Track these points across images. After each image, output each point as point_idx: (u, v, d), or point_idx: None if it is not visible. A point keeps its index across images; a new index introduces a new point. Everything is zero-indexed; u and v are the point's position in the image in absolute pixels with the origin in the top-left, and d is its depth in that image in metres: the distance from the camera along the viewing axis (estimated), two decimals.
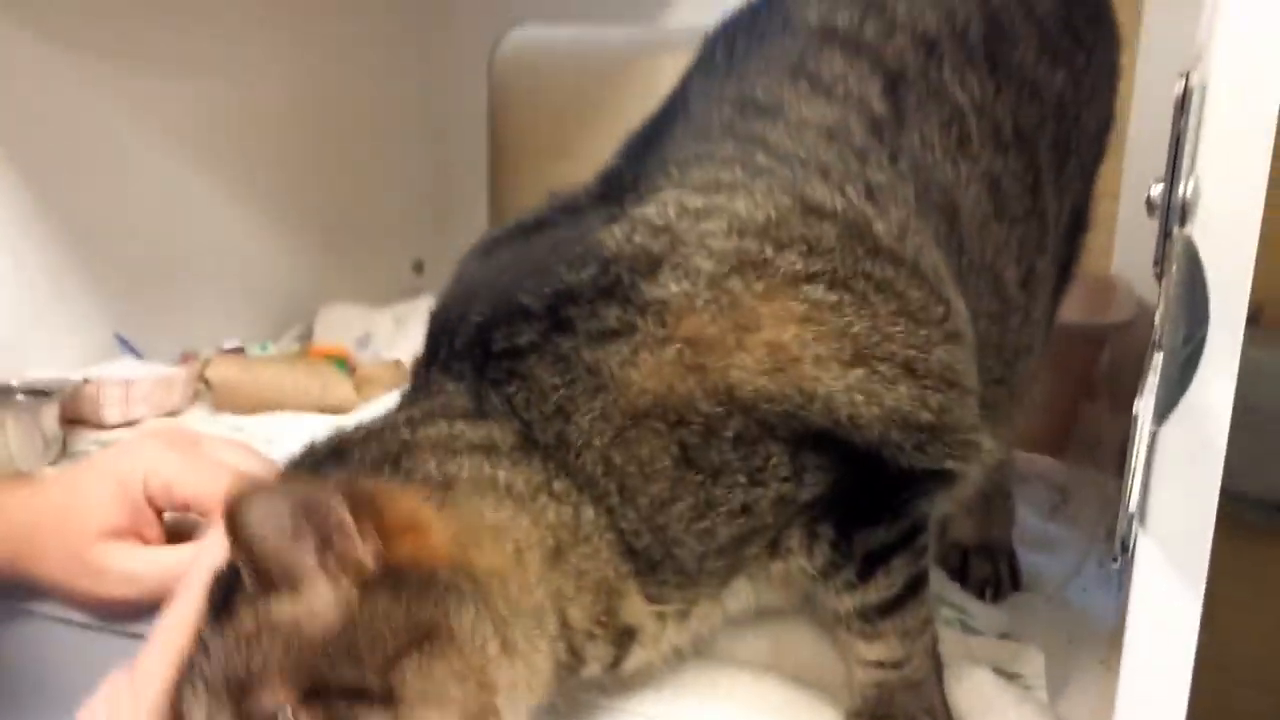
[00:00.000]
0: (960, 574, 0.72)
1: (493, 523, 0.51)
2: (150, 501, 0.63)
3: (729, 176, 0.56)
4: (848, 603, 0.56)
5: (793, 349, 0.51)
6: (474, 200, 1.45)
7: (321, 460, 0.54)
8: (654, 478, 0.51)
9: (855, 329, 0.52)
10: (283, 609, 0.46)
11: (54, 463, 0.90)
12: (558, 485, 0.52)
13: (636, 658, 0.55)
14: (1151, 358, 0.38)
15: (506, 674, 0.48)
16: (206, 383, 1.03)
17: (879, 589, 0.55)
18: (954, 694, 0.58)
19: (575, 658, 0.53)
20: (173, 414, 1.01)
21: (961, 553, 0.73)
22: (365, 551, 0.47)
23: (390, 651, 0.45)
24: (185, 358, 1.11)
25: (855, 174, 0.57)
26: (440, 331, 0.59)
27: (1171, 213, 0.35)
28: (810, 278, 0.52)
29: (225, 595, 0.48)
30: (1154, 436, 0.40)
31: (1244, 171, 0.37)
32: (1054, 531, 0.80)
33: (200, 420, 1.01)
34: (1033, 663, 0.61)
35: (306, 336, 1.25)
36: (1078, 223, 0.72)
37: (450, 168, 1.48)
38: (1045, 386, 0.76)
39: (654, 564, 0.53)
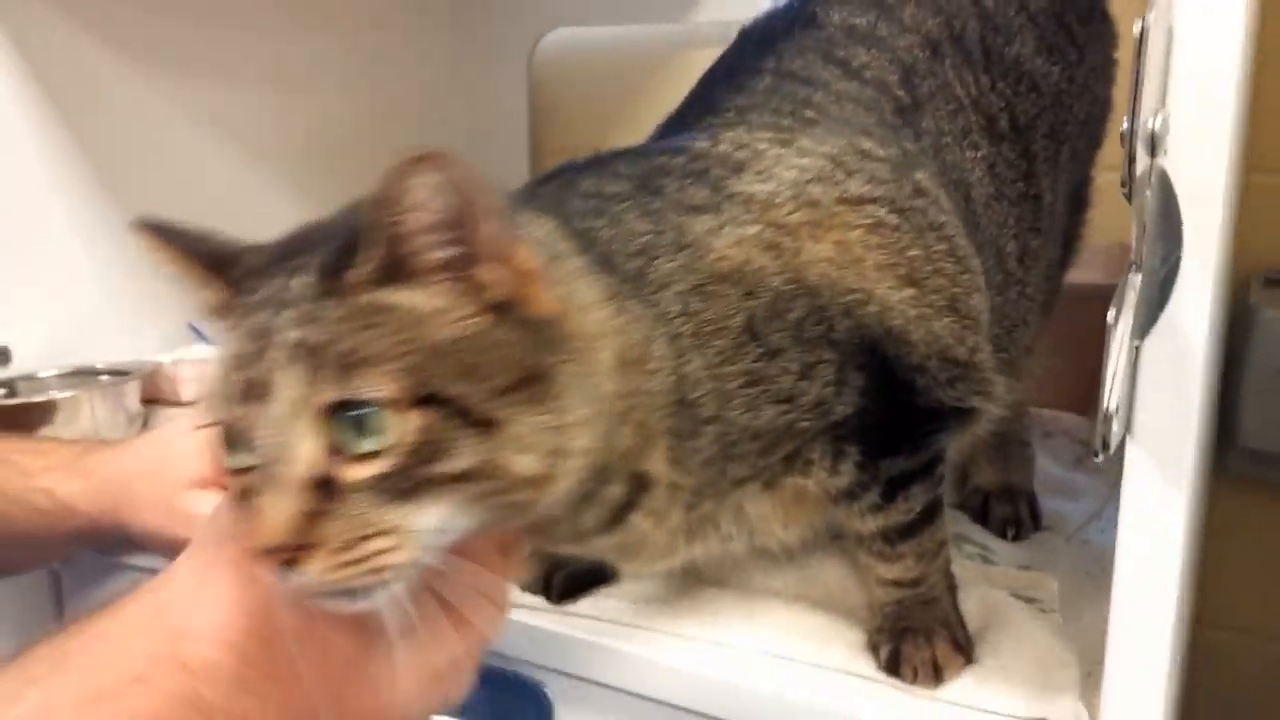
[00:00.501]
0: (982, 516, 0.77)
1: (591, 306, 0.51)
2: None
3: (787, 123, 0.62)
4: (871, 524, 0.60)
5: (857, 250, 0.57)
6: None
7: None
8: (722, 334, 0.55)
9: (911, 253, 0.58)
10: (406, 299, 0.44)
11: (136, 435, 0.97)
12: (632, 304, 0.53)
13: (634, 525, 0.55)
14: (1128, 278, 0.42)
15: (579, 443, 0.48)
16: None
17: (899, 512, 0.60)
18: (970, 610, 0.63)
19: (596, 481, 0.52)
20: None
21: (983, 496, 0.77)
22: (501, 277, 0.45)
23: (501, 382, 0.44)
24: None
25: (891, 140, 0.63)
26: (528, 184, 0.63)
27: (1138, 141, 0.40)
28: (874, 200, 0.58)
29: (334, 272, 0.45)
30: (1137, 350, 0.44)
31: (1212, 105, 0.42)
32: (1078, 480, 0.84)
33: None
34: (1047, 588, 0.66)
35: None
36: (1078, 202, 0.77)
37: (492, 166, 1.52)
38: (1070, 346, 0.81)
39: (693, 427, 0.55)
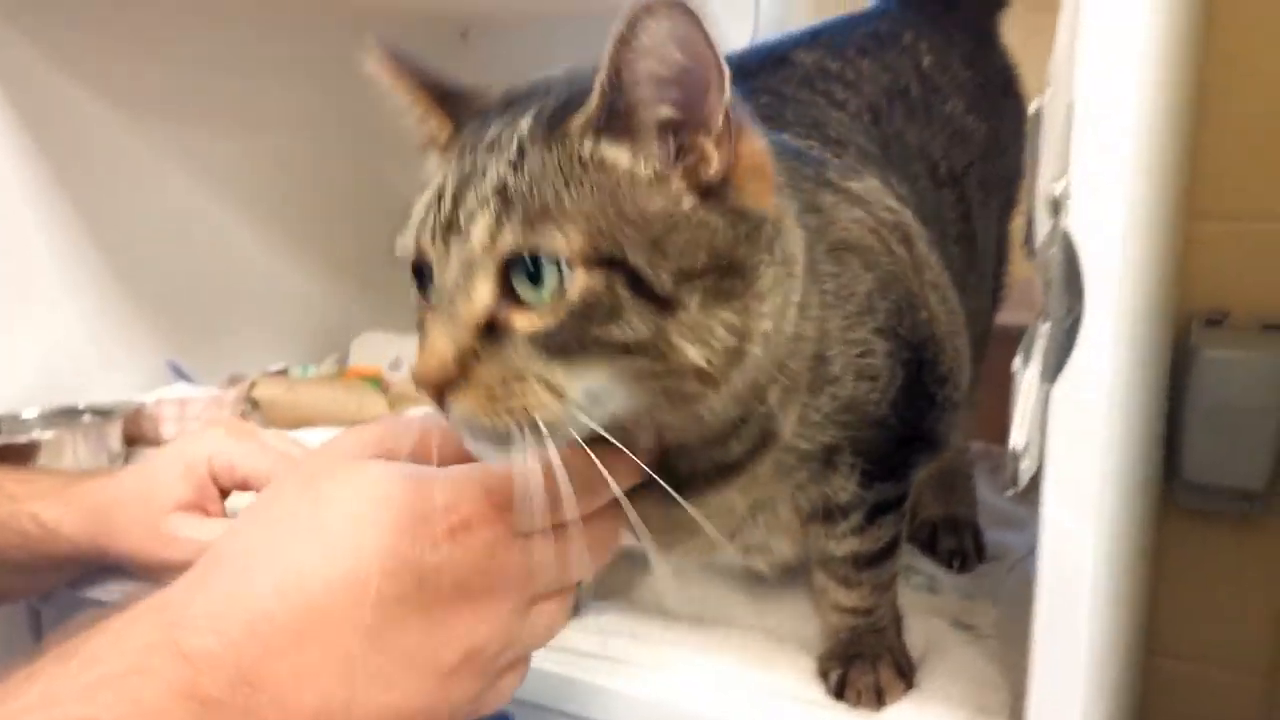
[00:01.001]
0: (930, 548, 0.81)
1: (793, 218, 0.51)
2: (214, 480, 0.73)
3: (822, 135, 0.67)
4: (845, 547, 0.63)
5: (919, 261, 0.62)
6: None
7: None
8: (852, 299, 0.56)
9: (941, 278, 0.64)
10: (617, 156, 0.44)
11: None
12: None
13: (725, 495, 0.55)
14: (1036, 327, 0.46)
15: (755, 353, 0.47)
16: (253, 402, 1.12)
17: (871, 540, 0.63)
18: (914, 639, 0.66)
19: (739, 418, 0.52)
20: None
21: (931, 528, 0.81)
22: (722, 157, 0.45)
23: (690, 265, 0.44)
24: (232, 381, 1.21)
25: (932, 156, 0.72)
26: None
27: (1038, 206, 0.44)
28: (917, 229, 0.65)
29: (554, 121, 0.45)
30: (1047, 394, 0.48)
31: (1110, 172, 0.46)
32: (1020, 512, 0.88)
33: None
34: (986, 614, 0.70)
35: (343, 361, 1.34)
36: (1000, 254, 0.83)
37: None
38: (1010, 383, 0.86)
39: (820, 386, 0.55)
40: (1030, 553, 0.81)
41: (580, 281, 0.42)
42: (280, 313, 1.33)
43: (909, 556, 0.80)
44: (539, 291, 0.43)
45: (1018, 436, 0.45)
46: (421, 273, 0.47)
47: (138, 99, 1.14)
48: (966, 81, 0.77)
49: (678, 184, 0.45)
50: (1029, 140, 0.43)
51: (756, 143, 0.47)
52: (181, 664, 0.41)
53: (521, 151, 0.44)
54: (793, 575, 0.72)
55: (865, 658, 0.63)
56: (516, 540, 0.47)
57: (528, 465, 0.43)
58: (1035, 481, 0.50)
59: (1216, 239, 1.11)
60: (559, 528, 0.46)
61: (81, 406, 1.03)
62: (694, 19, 0.41)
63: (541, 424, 0.43)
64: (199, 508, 0.73)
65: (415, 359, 0.44)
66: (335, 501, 0.46)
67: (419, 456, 0.49)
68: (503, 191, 0.43)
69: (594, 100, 0.44)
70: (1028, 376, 0.46)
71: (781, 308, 0.49)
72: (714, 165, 0.45)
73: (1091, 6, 0.44)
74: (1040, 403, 0.48)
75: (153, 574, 0.73)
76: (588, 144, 0.44)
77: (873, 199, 0.62)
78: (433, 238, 0.45)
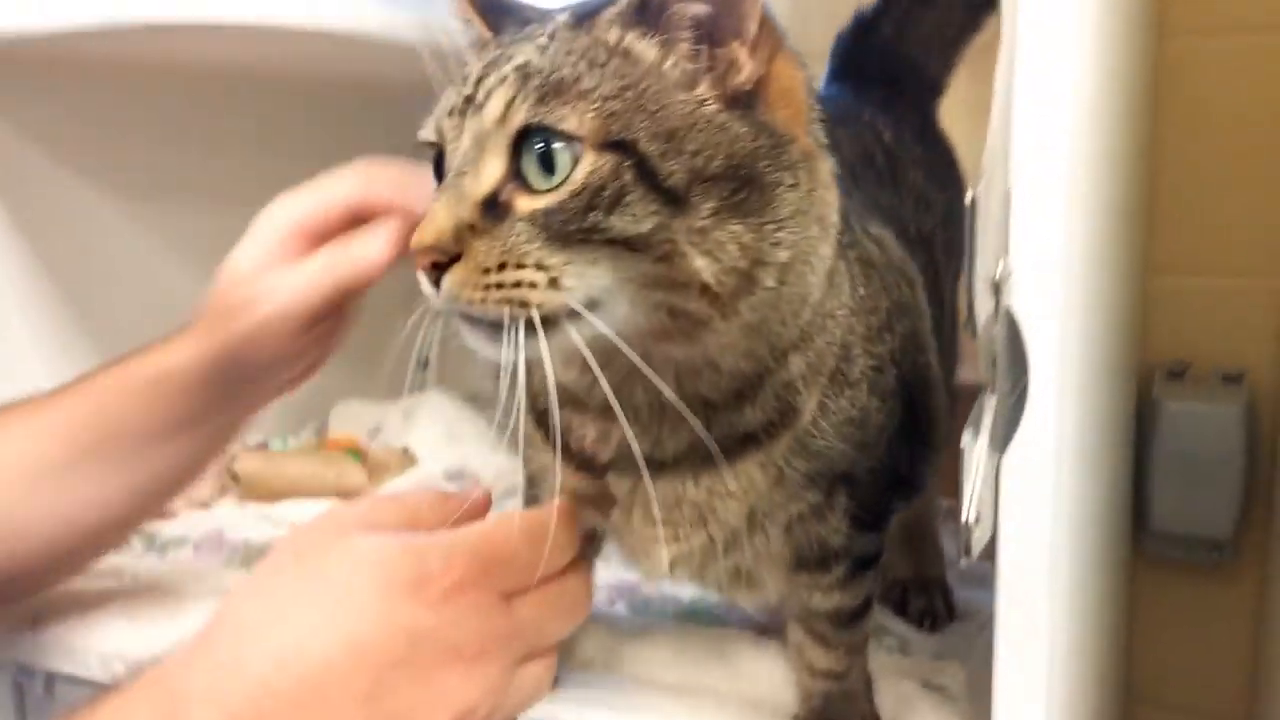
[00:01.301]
0: (902, 608, 0.82)
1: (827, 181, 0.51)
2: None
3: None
4: (827, 602, 0.64)
5: (922, 311, 0.65)
6: None
7: None
8: (876, 313, 0.58)
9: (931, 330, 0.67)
10: (643, 48, 0.44)
11: None
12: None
13: (724, 483, 0.55)
14: (983, 400, 0.48)
15: (768, 283, 0.47)
16: (234, 475, 1.13)
17: (852, 595, 0.64)
18: (885, 702, 0.68)
19: (754, 375, 0.52)
20: (203, 506, 1.12)
21: (901, 589, 0.83)
22: (752, 67, 0.44)
23: (705, 166, 0.43)
24: None
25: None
26: None
27: (978, 288, 0.46)
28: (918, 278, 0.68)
29: (588, 14, 0.45)
30: (997, 465, 0.50)
31: (1046, 256, 0.48)
32: (988, 569, 0.89)
33: (229, 510, 1.11)
34: (955, 675, 0.71)
35: (322, 430, 1.35)
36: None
37: None
38: None
39: (842, 383, 0.55)
40: None
41: (588, 162, 0.42)
42: None
43: (881, 617, 0.81)
44: (549, 178, 0.43)
45: (969, 508, 0.47)
46: (440, 163, 0.48)
47: (120, 179, 1.16)
48: (920, 156, 0.80)
49: (704, 86, 0.44)
50: (967, 226, 0.45)
51: (791, 66, 0.47)
52: None
53: (551, 36, 0.45)
54: (765, 639, 0.74)
55: None
56: (504, 600, 0.48)
57: (515, 357, 0.43)
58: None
59: (1175, 293, 1.15)
60: (543, 584, 0.48)
61: None
62: None
63: (535, 314, 0.43)
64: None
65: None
66: (329, 572, 0.47)
67: (408, 526, 0.51)
68: (523, 69, 0.43)
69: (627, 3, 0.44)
70: (977, 449, 0.48)
71: (802, 248, 0.48)
72: (744, 73, 0.44)
73: (1024, 97, 0.47)
74: (991, 474, 0.50)
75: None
76: (615, 31, 0.44)
77: (886, 242, 0.64)
78: (450, 113, 0.46)
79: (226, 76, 1.25)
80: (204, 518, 1.08)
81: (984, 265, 0.46)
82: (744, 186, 0.44)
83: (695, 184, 0.43)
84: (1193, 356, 1.14)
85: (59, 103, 1.09)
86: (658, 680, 0.72)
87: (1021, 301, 0.48)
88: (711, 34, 0.44)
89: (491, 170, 0.44)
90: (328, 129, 1.40)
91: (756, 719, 0.68)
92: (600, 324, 0.44)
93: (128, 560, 0.98)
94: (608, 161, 0.42)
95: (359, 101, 1.43)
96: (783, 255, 0.46)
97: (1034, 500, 0.50)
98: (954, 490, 0.93)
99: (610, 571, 0.79)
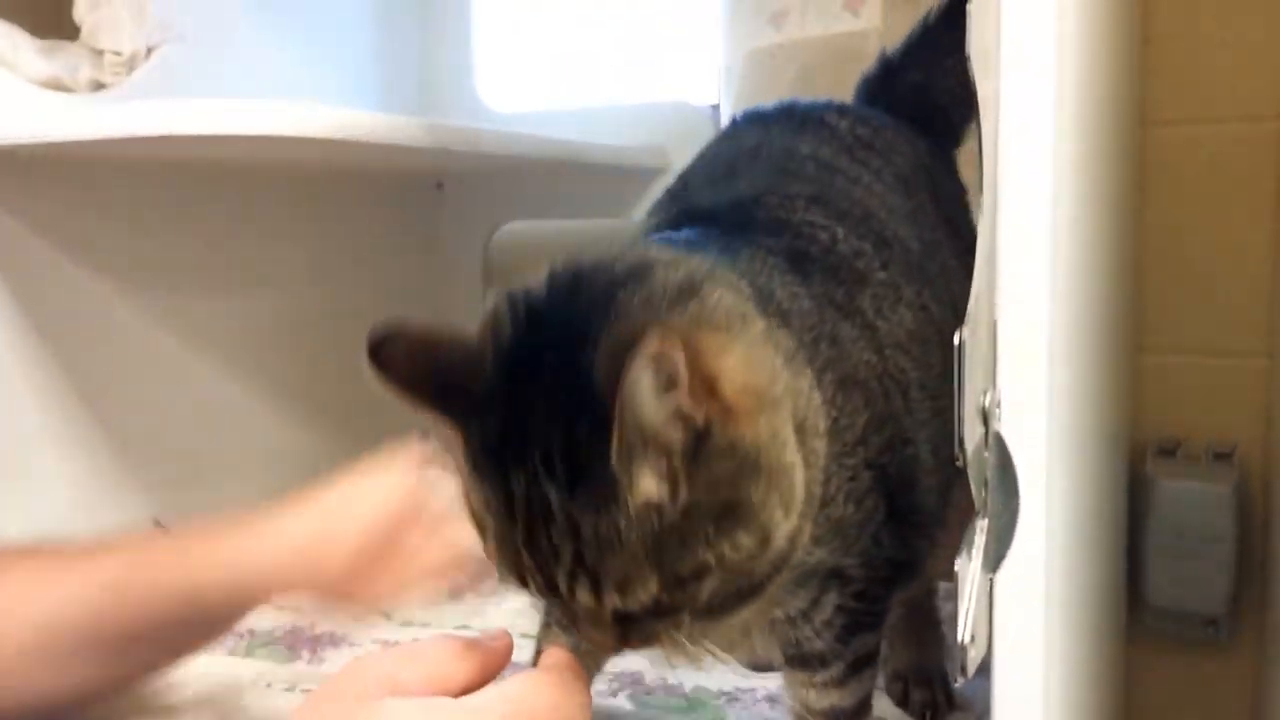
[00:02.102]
0: (902, 699, 0.83)
1: (773, 370, 0.54)
2: None
3: (865, 236, 0.68)
4: (825, 700, 0.65)
5: (911, 405, 0.65)
6: None
7: (584, 299, 0.53)
8: (851, 429, 0.60)
9: (926, 417, 0.66)
10: (646, 488, 0.48)
11: None
12: (806, 374, 0.57)
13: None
14: (975, 524, 0.50)
15: (786, 528, 0.53)
16: None
17: (850, 694, 0.65)
18: None
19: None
20: None
21: (903, 682, 0.84)
22: (698, 413, 0.48)
23: (712, 533, 0.49)
24: None
25: (930, 267, 0.72)
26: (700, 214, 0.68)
27: (967, 418, 0.49)
28: (914, 369, 0.67)
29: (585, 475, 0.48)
30: (991, 583, 0.52)
31: (1033, 384, 0.51)
32: (989, 658, 0.91)
33: None
34: None
35: None
36: None
37: None
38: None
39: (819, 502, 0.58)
40: None
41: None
42: (263, 465, 1.35)
43: (882, 708, 0.82)
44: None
45: (964, 629, 0.49)
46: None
47: (126, 265, 1.19)
48: (950, 191, 0.82)
49: (679, 483, 0.48)
50: (955, 363, 0.47)
51: (712, 355, 0.49)
52: None
53: (577, 513, 0.48)
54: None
55: None
56: None
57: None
58: None
59: (1164, 371, 1.17)
60: None
61: None
62: (667, 352, 0.45)
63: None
64: None
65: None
66: None
67: (434, 683, 0.52)
68: (584, 567, 0.49)
69: (619, 461, 0.47)
70: (970, 570, 0.49)
71: (784, 490, 0.53)
72: (698, 420, 0.48)
73: (1008, 249, 0.50)
74: (984, 593, 0.51)
75: None
76: (624, 495, 0.47)
77: (889, 344, 0.65)
78: (541, 591, 0.51)
79: (232, 174, 1.28)
80: None
81: (972, 396, 0.49)
82: (734, 511, 0.51)
83: (713, 546, 0.50)
84: (1183, 433, 1.16)
85: (68, 198, 1.12)
86: None
87: (1010, 428, 0.50)
88: (683, 439, 0.48)
89: (606, 618, 0.53)
90: (327, 219, 1.44)
91: None
92: None
93: None
94: (677, 592, 0.51)
95: (357, 193, 1.47)
96: (779, 514, 0.52)
97: (1027, 618, 0.52)
98: (952, 573, 0.95)
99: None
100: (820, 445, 0.57)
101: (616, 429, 0.46)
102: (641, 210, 1.49)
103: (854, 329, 0.63)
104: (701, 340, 0.49)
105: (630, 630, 0.53)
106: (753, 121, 0.82)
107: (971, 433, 0.49)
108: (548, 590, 0.51)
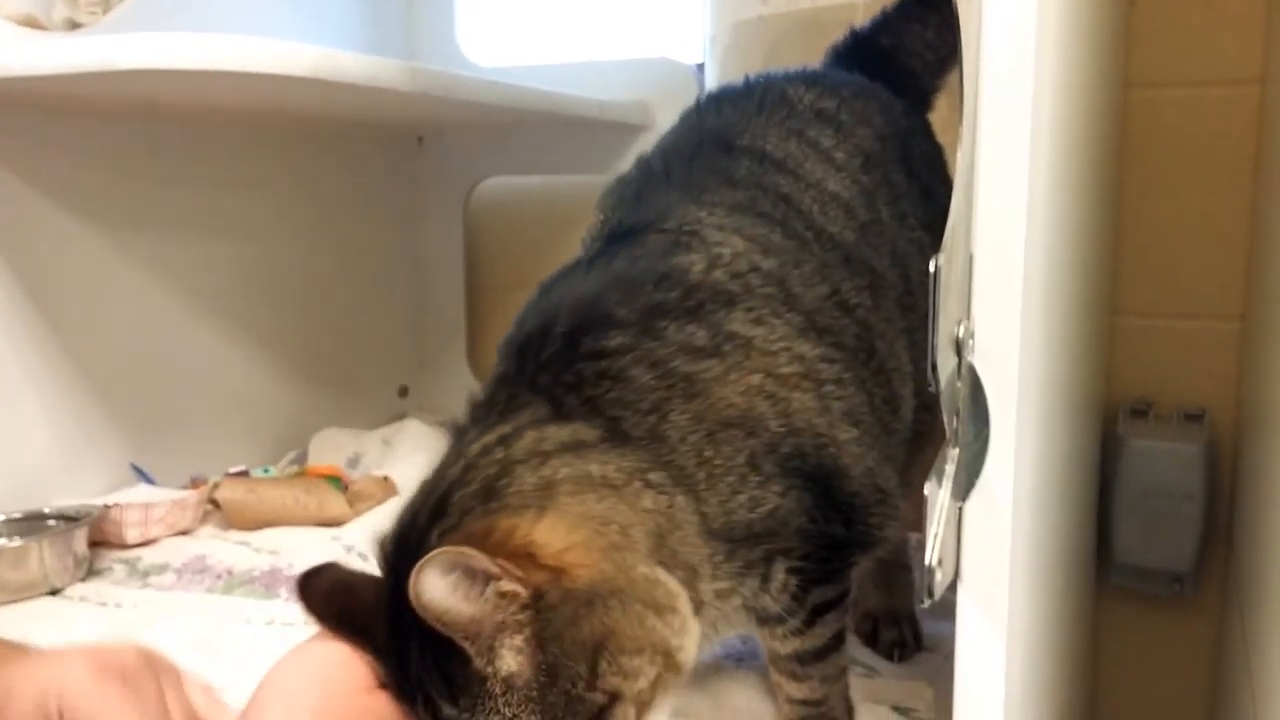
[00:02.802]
0: (872, 640, 0.85)
1: (597, 514, 0.56)
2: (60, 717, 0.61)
3: (777, 240, 0.69)
4: (788, 647, 0.67)
5: (828, 401, 0.65)
6: (453, 332, 1.59)
7: (427, 513, 0.58)
8: (731, 472, 0.61)
9: (856, 400, 0.67)
10: (505, 667, 0.53)
11: (83, 579, 1.01)
12: (653, 475, 0.59)
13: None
14: (946, 452, 0.51)
15: (668, 629, 0.56)
16: (216, 504, 1.15)
17: (814, 638, 0.67)
18: None
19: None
20: (185, 533, 1.13)
21: (872, 621, 0.85)
22: (521, 586, 0.52)
23: (587, 673, 0.53)
24: (194, 482, 1.23)
25: (866, 260, 0.72)
26: (518, 350, 0.64)
27: (940, 347, 0.49)
28: (839, 360, 0.67)
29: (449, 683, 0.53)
30: (960, 511, 0.53)
31: (1006, 316, 0.51)
32: (956, 602, 0.92)
33: (210, 538, 1.12)
34: (924, 697, 0.74)
35: (302, 459, 1.37)
36: None
37: (431, 303, 1.63)
38: None
39: (728, 547, 0.61)
40: None
41: None
42: (241, 412, 1.35)
43: (851, 647, 0.83)
44: None
45: (932, 553, 0.50)
46: None
47: (105, 211, 1.18)
48: (924, 153, 0.84)
49: (526, 650, 0.53)
50: (930, 291, 0.48)
51: (517, 538, 0.54)
52: None
53: None
54: (744, 668, 0.76)
55: None
56: None
57: None
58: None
59: (1138, 333, 1.18)
60: None
61: (47, 512, 1.05)
62: (451, 561, 0.51)
63: None
64: None
65: None
66: None
67: None
68: None
69: (470, 651, 0.52)
70: (940, 497, 0.50)
71: (648, 593, 0.56)
72: (523, 594, 0.53)
73: (986, 165, 0.50)
74: (953, 519, 0.52)
75: None
76: (493, 685, 0.52)
77: (777, 349, 0.64)
78: None
79: (214, 124, 1.28)
80: (186, 544, 1.09)
81: (946, 326, 0.49)
82: (603, 644, 0.54)
83: (599, 682, 0.54)
84: (1155, 395, 1.18)
85: (49, 142, 1.11)
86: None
87: (982, 358, 0.51)
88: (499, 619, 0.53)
89: None
90: (308, 172, 1.43)
91: None
92: None
93: (108, 587, 1.00)
94: None
95: (338, 146, 1.46)
96: (650, 619, 0.56)
97: (995, 544, 0.53)
98: (923, 525, 0.97)
99: None
100: (690, 518, 0.60)
101: (448, 634, 0.51)
102: (623, 166, 1.49)
103: (721, 364, 0.62)
104: (500, 530, 0.54)
105: None
106: (711, 105, 0.82)
107: (945, 362, 0.50)
108: None
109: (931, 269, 0.47)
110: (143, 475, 1.20)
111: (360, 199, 1.53)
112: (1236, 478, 1.13)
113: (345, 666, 0.57)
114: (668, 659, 0.55)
